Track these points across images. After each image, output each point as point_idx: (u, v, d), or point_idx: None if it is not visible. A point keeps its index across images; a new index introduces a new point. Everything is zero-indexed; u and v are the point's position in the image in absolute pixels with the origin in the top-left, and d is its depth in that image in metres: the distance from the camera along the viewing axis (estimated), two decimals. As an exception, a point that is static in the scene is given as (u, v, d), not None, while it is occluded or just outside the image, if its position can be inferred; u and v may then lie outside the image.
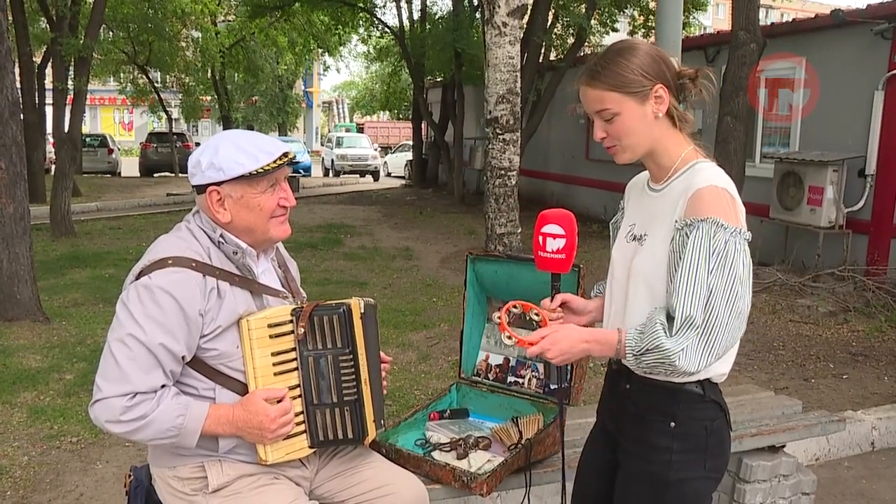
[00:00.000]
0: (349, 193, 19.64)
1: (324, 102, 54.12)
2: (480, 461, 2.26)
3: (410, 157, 23.17)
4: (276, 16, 19.74)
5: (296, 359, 1.84)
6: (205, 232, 1.84)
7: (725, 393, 3.21)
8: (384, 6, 20.21)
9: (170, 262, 1.72)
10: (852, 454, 4.06)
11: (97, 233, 11.34)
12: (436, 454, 2.30)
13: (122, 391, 1.67)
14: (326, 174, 28.37)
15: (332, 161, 27.77)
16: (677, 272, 1.53)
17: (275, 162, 1.78)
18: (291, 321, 1.83)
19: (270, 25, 21.33)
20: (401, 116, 36.96)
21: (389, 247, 10.49)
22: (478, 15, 14.07)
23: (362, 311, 1.91)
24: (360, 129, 40.58)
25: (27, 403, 4.43)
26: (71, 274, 8.15)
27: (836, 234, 7.94)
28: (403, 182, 23.82)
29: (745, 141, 7.94)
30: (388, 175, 28.36)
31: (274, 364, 1.81)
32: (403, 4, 18.93)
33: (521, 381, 2.61)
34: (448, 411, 2.60)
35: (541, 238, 1.79)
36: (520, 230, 6.32)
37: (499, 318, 1.74)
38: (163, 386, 1.72)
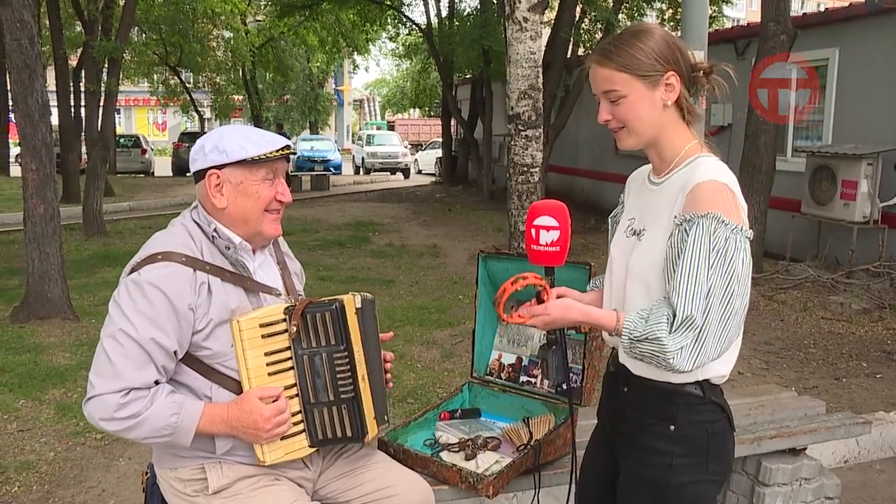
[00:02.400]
0: (379, 191, 19.71)
1: (355, 100, 54.33)
2: (488, 462, 2.23)
3: (440, 155, 23.17)
4: (304, 15, 19.89)
5: (291, 358, 1.82)
6: (199, 226, 1.86)
7: (746, 393, 3.17)
8: (411, 3, 20.24)
9: (159, 257, 1.74)
10: (884, 457, 3.94)
11: (129, 232, 11.53)
12: (444, 455, 2.28)
13: (116, 387, 1.67)
14: (357, 172, 28.50)
15: (363, 159, 27.89)
16: (677, 269, 1.50)
17: (277, 151, 1.83)
18: (284, 320, 1.81)
19: (300, 24, 21.48)
20: (431, 114, 36.95)
21: (417, 244, 10.50)
22: (504, 11, 13.99)
23: (358, 306, 1.89)
24: (391, 127, 40.65)
25: (55, 400, 4.51)
26: (101, 273, 8.28)
27: (871, 229, 7.74)
28: (433, 179, 23.83)
29: (775, 134, 7.78)
30: (419, 172, 28.43)
31: (268, 364, 1.79)
32: (431, 1, 18.93)
33: (533, 380, 2.58)
34: (459, 411, 2.58)
35: (533, 231, 1.73)
36: (544, 227, 6.25)
37: (500, 299, 1.72)
38: (156, 382, 1.72)
